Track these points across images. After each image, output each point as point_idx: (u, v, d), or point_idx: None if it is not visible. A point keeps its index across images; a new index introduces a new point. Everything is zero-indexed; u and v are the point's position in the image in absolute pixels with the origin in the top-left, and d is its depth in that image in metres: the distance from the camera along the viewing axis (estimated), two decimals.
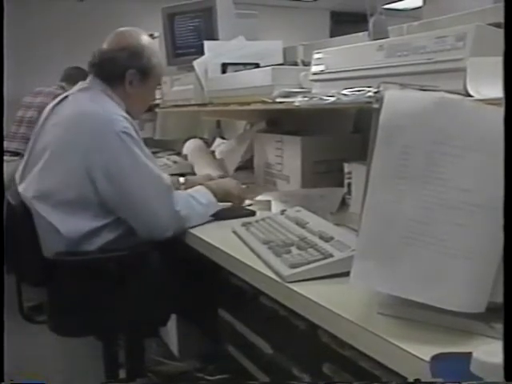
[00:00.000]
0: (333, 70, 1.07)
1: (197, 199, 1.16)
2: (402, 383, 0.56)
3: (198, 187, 1.22)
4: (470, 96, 0.75)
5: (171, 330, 1.59)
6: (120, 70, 1.18)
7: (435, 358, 0.51)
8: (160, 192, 1.09)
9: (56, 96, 1.30)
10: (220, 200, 1.21)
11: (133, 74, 1.19)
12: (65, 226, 1.08)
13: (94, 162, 1.06)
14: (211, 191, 1.20)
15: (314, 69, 1.14)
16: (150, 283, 1.12)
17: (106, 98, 1.16)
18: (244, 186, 1.38)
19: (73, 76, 2.60)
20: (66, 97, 1.19)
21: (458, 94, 0.64)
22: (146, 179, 1.08)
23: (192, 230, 1.10)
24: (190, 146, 1.96)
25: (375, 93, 0.75)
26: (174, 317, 1.41)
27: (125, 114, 1.12)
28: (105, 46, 1.20)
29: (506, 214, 0.49)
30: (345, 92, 0.91)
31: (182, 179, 1.40)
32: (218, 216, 1.17)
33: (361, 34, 1.22)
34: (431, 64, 0.84)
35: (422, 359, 0.53)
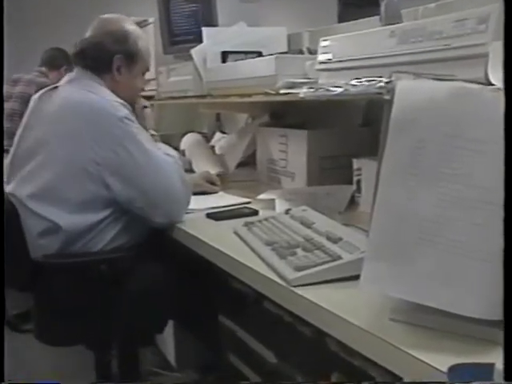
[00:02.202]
0: (341, 58, 1.07)
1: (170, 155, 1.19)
2: None
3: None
4: (491, 85, 0.74)
5: (168, 338, 1.60)
6: (106, 56, 1.20)
7: (453, 368, 0.51)
8: (172, 172, 1.12)
9: (38, 84, 1.30)
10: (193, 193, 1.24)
11: (120, 59, 1.20)
12: (66, 221, 1.09)
13: (100, 152, 1.07)
14: None
15: (321, 57, 1.13)
16: (145, 287, 1.13)
17: (98, 86, 1.17)
18: (213, 173, 1.47)
19: (54, 59, 2.51)
20: (56, 87, 1.19)
21: (479, 82, 0.63)
22: (158, 162, 1.11)
23: (191, 231, 1.10)
24: (187, 141, 1.96)
25: (386, 83, 0.75)
26: (170, 324, 1.42)
27: (121, 101, 1.14)
28: (88, 33, 1.22)
29: (506, 213, 0.50)
30: (354, 82, 0.91)
31: None
32: (218, 216, 1.18)
33: (372, 18, 1.22)
34: (449, 50, 0.83)
35: (438, 369, 0.53)
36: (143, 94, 1.45)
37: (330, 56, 1.11)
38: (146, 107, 1.39)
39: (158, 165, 1.10)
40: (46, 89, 1.22)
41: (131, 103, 1.22)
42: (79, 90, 1.15)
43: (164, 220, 1.14)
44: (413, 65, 0.88)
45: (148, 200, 1.10)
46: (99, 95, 1.13)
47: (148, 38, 1.94)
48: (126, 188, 1.09)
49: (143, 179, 1.09)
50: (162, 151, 1.17)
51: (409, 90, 0.60)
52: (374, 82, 0.85)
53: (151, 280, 1.15)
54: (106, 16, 1.24)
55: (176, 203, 1.13)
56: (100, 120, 1.08)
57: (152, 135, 1.30)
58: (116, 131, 1.07)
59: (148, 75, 1.40)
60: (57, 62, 2.55)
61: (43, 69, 2.59)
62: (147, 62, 1.31)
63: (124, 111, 1.10)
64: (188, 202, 1.17)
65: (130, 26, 1.24)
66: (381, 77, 0.84)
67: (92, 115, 1.09)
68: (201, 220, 1.17)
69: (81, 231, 1.09)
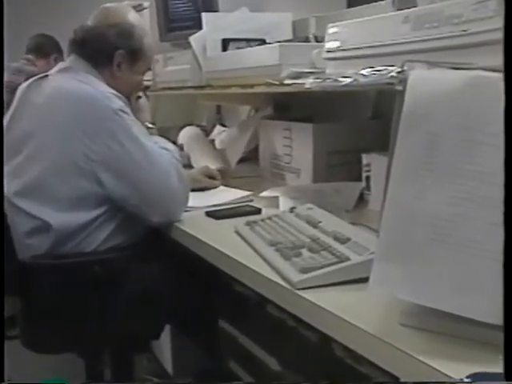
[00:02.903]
0: (350, 46, 1.07)
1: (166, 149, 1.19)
2: None
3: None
4: None
5: (164, 344, 1.60)
6: (108, 50, 1.19)
7: (471, 377, 0.51)
8: (169, 168, 1.12)
9: (28, 73, 1.30)
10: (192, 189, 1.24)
11: (122, 55, 1.20)
12: (56, 219, 1.09)
13: (92, 146, 1.07)
14: None
15: (329, 45, 1.13)
16: (140, 290, 1.13)
17: (92, 78, 1.17)
18: (214, 168, 1.47)
19: (42, 46, 2.48)
20: (45, 76, 1.19)
21: (499, 71, 0.63)
22: (154, 157, 1.11)
23: (189, 230, 1.11)
24: (185, 135, 1.96)
25: (398, 73, 0.75)
26: (167, 329, 1.42)
27: (116, 92, 1.14)
28: (90, 22, 1.21)
29: (506, 213, 0.50)
30: (364, 72, 0.91)
31: None
32: (219, 214, 1.18)
33: (383, 2, 1.22)
34: (467, 36, 0.81)
35: (453, 379, 0.53)
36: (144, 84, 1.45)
37: (338, 44, 1.11)
38: (139, 97, 1.39)
39: (154, 160, 1.11)
40: (34, 78, 1.21)
41: (127, 97, 1.23)
42: (71, 80, 1.15)
43: (160, 219, 1.14)
44: (427, 52, 0.87)
45: (143, 197, 1.10)
46: (92, 86, 1.13)
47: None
48: (120, 184, 1.09)
49: (138, 175, 1.09)
50: (159, 145, 1.17)
51: (422, 80, 0.60)
52: (385, 72, 0.85)
53: (147, 282, 1.15)
54: (110, 5, 1.23)
55: (173, 201, 1.13)
56: (92, 112, 1.08)
57: (148, 128, 1.30)
58: (109, 124, 1.07)
59: None
60: (45, 49, 2.53)
61: (30, 56, 2.55)
62: (150, 60, 1.31)
63: (118, 103, 1.10)
64: (186, 200, 1.17)
65: (136, 20, 1.24)
66: (393, 66, 0.84)
67: (84, 106, 1.09)
68: (200, 218, 1.18)
69: (72, 230, 1.10)
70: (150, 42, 1.27)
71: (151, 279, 1.16)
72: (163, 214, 1.14)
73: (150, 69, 1.34)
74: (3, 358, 0.78)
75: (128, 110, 1.13)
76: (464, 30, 0.82)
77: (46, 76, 1.19)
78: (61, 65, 1.23)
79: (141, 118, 1.31)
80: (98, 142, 1.07)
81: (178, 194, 1.14)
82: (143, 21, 1.29)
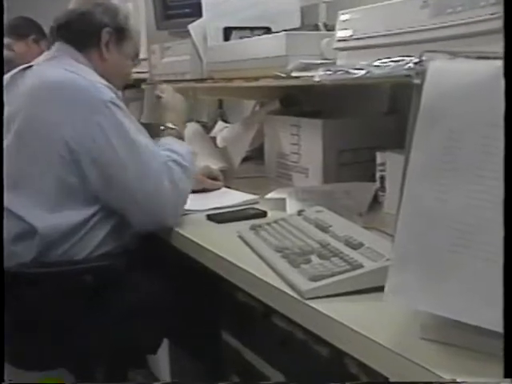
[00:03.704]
0: (363, 34, 1.07)
1: (178, 154, 1.18)
2: None
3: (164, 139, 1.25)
4: None
5: (162, 359, 1.61)
6: (95, 28, 1.21)
7: None
8: (161, 168, 1.11)
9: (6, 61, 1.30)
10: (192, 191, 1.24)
11: (109, 32, 1.22)
12: (42, 222, 1.09)
13: (77, 138, 1.07)
14: None
15: (340, 34, 1.13)
16: (136, 301, 1.14)
17: (79, 66, 1.17)
18: (216, 168, 1.46)
19: (18, 27, 2.44)
20: (30, 66, 1.20)
21: None
22: (145, 157, 1.10)
23: (189, 235, 1.11)
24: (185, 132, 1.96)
25: (416, 64, 0.75)
26: (165, 342, 1.42)
27: (107, 84, 1.14)
28: (72, 4, 1.23)
29: (506, 212, 0.51)
30: (378, 63, 0.91)
31: None
32: (221, 218, 1.18)
33: None
34: (496, 20, 0.79)
35: None
36: (133, 76, 1.46)
37: (350, 32, 1.11)
38: (160, 97, 1.40)
39: (143, 160, 1.10)
40: (18, 68, 1.22)
41: (118, 89, 1.23)
42: (56, 69, 1.15)
43: (145, 226, 1.13)
44: (449, 41, 0.86)
45: (127, 199, 1.10)
46: (80, 75, 1.13)
47: (138, 12, 1.96)
48: (104, 182, 1.09)
49: (122, 174, 1.08)
50: (164, 147, 1.17)
51: (443, 72, 0.60)
52: (401, 63, 0.85)
53: (144, 292, 1.16)
54: None
55: (161, 207, 1.11)
56: (79, 102, 1.08)
57: (167, 129, 1.29)
58: (97, 116, 1.07)
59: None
60: (21, 30, 2.52)
61: (8, 40, 2.50)
62: (137, 44, 1.32)
63: (109, 94, 1.10)
64: (179, 207, 1.16)
65: (119, 1, 1.28)
66: (410, 56, 0.84)
67: (70, 97, 1.09)
68: (201, 222, 1.18)
69: (60, 234, 1.10)
70: (135, 25, 1.30)
71: (148, 289, 1.16)
72: (148, 220, 1.12)
73: (137, 56, 1.34)
74: (3, 358, 0.80)
75: (120, 102, 1.12)
76: (492, 14, 0.81)
77: (31, 66, 1.20)
78: (46, 54, 1.23)
79: (165, 118, 1.30)
80: (84, 134, 1.07)
81: (167, 199, 1.11)
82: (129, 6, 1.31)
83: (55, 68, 1.16)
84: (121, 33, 1.24)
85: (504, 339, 0.48)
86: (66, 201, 1.10)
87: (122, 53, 1.27)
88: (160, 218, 1.13)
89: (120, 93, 1.21)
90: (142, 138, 1.13)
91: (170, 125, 1.31)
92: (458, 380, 0.55)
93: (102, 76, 1.18)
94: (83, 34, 1.21)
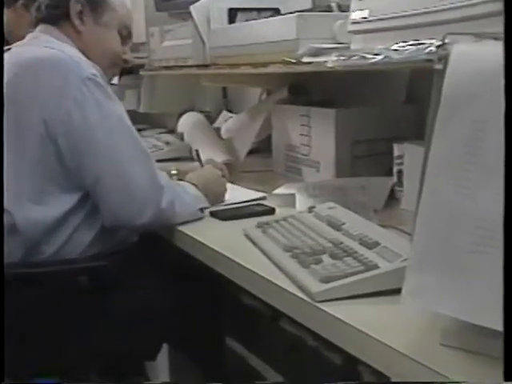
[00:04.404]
0: (380, 16, 1.06)
1: (182, 187, 1.18)
2: None
3: (179, 182, 1.25)
4: None
5: (161, 366, 1.62)
6: (60, 1, 1.21)
7: None
8: (139, 157, 1.11)
9: None
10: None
11: (81, 3, 1.21)
12: (21, 213, 1.08)
13: (54, 114, 1.07)
14: None
15: (355, 15, 1.13)
16: (133, 303, 1.14)
17: (60, 43, 1.18)
18: (219, 161, 1.45)
19: None
20: (8, 49, 1.21)
21: None
22: (121, 138, 1.10)
23: (190, 233, 1.12)
24: (186, 122, 1.97)
25: (438, 47, 0.74)
26: (165, 348, 1.43)
27: (93, 64, 1.15)
28: None
29: (506, 212, 0.51)
30: (396, 47, 0.91)
31: (173, 170, 1.41)
32: (225, 214, 1.19)
33: None
34: None
35: None
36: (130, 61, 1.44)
37: (366, 13, 1.10)
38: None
39: (123, 139, 1.10)
40: None
41: (105, 69, 1.22)
42: (35, 47, 1.17)
43: (112, 221, 1.11)
44: (475, 21, 0.85)
45: (96, 186, 1.09)
46: (62, 51, 1.13)
47: None
48: (75, 160, 1.08)
49: (97, 158, 1.08)
50: (182, 189, 1.17)
51: (467, 57, 0.60)
52: (422, 47, 0.85)
53: (141, 294, 1.16)
54: None
55: (134, 202, 1.09)
56: (55, 77, 1.08)
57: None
58: (73, 91, 1.07)
59: (136, 38, 1.40)
60: None
61: None
62: (120, 14, 1.29)
63: (88, 70, 1.10)
64: (158, 204, 1.10)
65: None
66: (431, 39, 0.83)
67: (46, 72, 1.09)
68: (204, 219, 1.19)
69: (44, 228, 1.09)
70: None
71: (147, 291, 1.17)
72: (113, 214, 1.10)
73: (127, 28, 1.30)
74: (3, 358, 0.81)
75: (103, 82, 1.12)
76: None
77: (9, 49, 1.21)
78: (29, 36, 1.24)
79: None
80: (60, 109, 1.07)
81: (137, 192, 1.09)
82: None
83: (33, 47, 1.18)
84: (96, 2, 1.23)
85: (504, 341, 0.48)
86: (46, 186, 1.10)
87: (101, 23, 1.25)
88: (129, 213, 1.09)
89: (116, 79, 1.20)
90: (127, 120, 1.13)
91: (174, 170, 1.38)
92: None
93: (84, 53, 1.18)
94: (51, 8, 1.22)
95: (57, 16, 1.22)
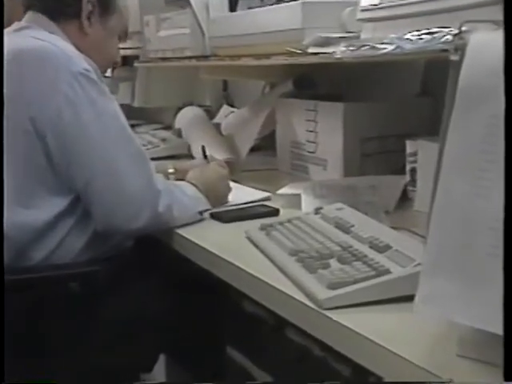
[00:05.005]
0: (392, 2, 1.06)
1: (180, 188, 1.18)
2: None
3: (177, 182, 1.25)
4: None
5: (158, 377, 1.62)
6: None
7: None
8: (134, 158, 1.11)
9: None
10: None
11: (92, 4, 1.21)
12: (8, 217, 1.07)
13: (43, 110, 1.07)
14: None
15: (364, 2, 1.13)
16: (129, 312, 1.14)
17: (53, 36, 1.17)
18: (220, 159, 1.44)
19: None
20: None
21: None
22: (116, 137, 1.10)
23: (189, 236, 1.12)
24: (184, 117, 1.97)
25: (455, 36, 0.74)
26: (161, 358, 1.43)
27: (87, 58, 1.14)
28: None
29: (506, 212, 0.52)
30: (409, 36, 0.91)
31: (170, 168, 1.41)
32: (227, 216, 1.19)
33: None
34: None
35: None
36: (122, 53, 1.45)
37: (376, 0, 1.10)
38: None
39: (116, 138, 1.10)
40: None
41: (102, 71, 1.23)
42: (23, 38, 1.16)
43: (103, 223, 1.11)
44: (495, 6, 0.85)
45: (89, 188, 1.09)
46: (50, 42, 1.13)
47: None
48: (65, 160, 1.08)
49: (90, 159, 1.08)
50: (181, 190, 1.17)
51: (486, 47, 0.60)
52: (437, 36, 0.85)
53: (137, 302, 1.16)
54: None
55: (128, 204, 1.09)
56: (45, 71, 1.08)
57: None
58: (64, 87, 1.07)
59: (130, 27, 1.40)
60: None
61: None
62: (124, 21, 1.32)
63: (82, 65, 1.10)
64: (155, 207, 1.10)
65: None
66: (447, 28, 0.83)
67: (35, 65, 1.09)
68: (203, 221, 1.19)
69: (34, 231, 1.09)
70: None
71: (142, 298, 1.17)
72: (105, 219, 1.10)
73: (125, 35, 1.34)
74: (3, 358, 0.82)
75: (95, 76, 1.12)
76: None
77: None
78: (15, 25, 1.24)
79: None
80: (49, 105, 1.07)
81: (132, 195, 1.09)
82: None
83: (20, 37, 1.16)
84: (106, 4, 1.24)
85: (504, 342, 0.49)
86: (35, 188, 1.10)
87: (108, 27, 1.26)
88: (122, 216, 1.09)
89: (109, 71, 1.21)
90: (123, 119, 1.13)
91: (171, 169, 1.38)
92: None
93: (84, 52, 1.18)
94: (61, 2, 1.21)
95: (64, 11, 1.21)
